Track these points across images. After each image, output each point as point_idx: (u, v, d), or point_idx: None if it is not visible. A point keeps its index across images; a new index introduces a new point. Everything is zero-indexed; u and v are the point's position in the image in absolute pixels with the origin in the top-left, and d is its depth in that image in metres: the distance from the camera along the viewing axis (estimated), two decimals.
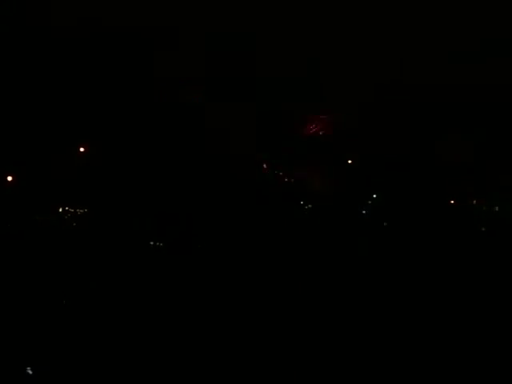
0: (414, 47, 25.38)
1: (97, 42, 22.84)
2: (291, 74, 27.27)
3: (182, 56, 25.28)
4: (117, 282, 14.06)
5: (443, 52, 25.64)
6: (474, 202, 27.13)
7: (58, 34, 22.33)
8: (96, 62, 23.08)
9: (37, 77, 22.21)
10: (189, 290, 13.59)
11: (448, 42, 25.56)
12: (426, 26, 24.88)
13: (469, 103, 25.93)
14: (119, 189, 20.35)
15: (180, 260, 17.29)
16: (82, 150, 21.28)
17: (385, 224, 25.20)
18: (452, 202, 28.71)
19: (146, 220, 19.24)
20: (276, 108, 28.52)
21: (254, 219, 21.53)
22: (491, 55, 25.46)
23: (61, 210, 19.71)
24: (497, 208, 26.09)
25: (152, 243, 17.61)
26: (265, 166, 28.26)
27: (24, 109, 21.63)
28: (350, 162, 27.82)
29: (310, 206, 27.44)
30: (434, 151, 29.02)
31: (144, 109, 23.05)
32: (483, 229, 21.79)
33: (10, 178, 20.00)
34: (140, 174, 21.11)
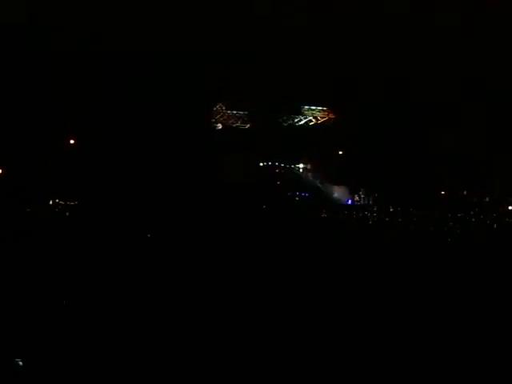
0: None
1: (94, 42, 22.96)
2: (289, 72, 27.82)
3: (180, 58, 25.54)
4: (109, 272, 14.11)
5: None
6: (465, 193, 27.32)
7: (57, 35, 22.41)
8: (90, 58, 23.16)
9: (28, 72, 22.24)
10: (181, 278, 13.66)
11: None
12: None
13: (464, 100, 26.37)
14: (109, 181, 20.39)
15: (171, 250, 17.35)
16: (72, 141, 21.34)
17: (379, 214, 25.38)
18: (443, 192, 28.93)
19: (138, 211, 19.30)
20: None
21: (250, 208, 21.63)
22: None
23: (51, 202, 19.72)
24: (487, 199, 26.27)
25: (145, 235, 17.75)
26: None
27: (16, 104, 21.64)
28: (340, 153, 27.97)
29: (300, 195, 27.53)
30: (427, 145, 29.25)
31: (133, 104, 23.11)
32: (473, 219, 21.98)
33: (0, 171, 19.99)
34: (130, 167, 21.17)
